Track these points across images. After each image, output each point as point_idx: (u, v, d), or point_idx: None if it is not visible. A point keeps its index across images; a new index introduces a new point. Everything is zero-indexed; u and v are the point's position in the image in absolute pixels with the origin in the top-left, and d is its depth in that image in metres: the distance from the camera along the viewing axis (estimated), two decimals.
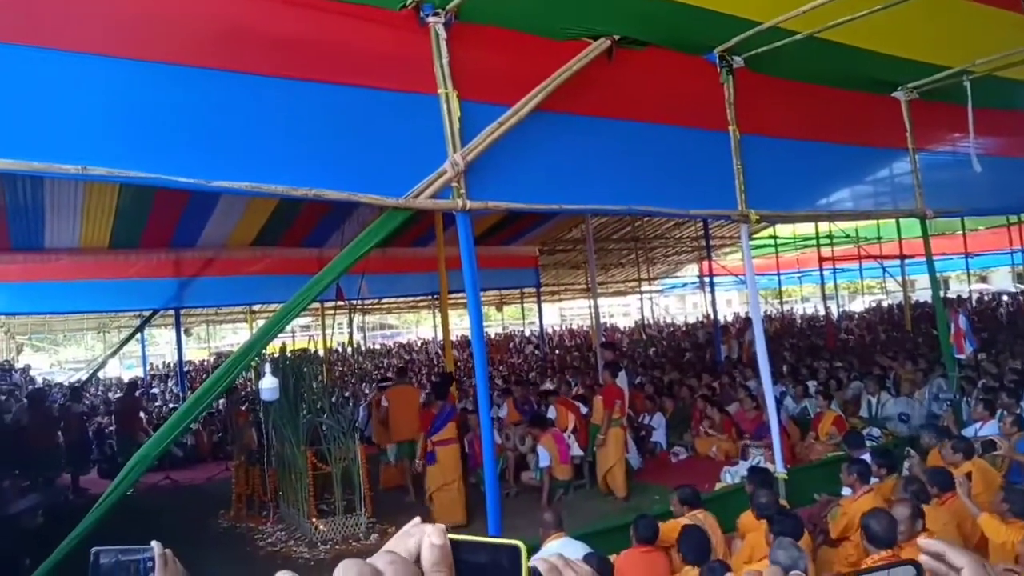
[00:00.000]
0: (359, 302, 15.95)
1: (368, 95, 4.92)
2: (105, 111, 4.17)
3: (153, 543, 1.41)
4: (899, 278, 17.30)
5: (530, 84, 5.31)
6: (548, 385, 11.46)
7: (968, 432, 6.95)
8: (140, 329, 15.97)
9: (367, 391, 14.59)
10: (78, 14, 4.06)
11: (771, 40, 6.08)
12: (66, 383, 16.47)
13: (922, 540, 0.70)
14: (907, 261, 16.23)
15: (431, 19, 4.97)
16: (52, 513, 7.71)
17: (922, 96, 7.77)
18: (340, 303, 13.01)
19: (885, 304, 25.00)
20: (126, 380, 18.15)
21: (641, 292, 24.02)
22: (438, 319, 16.69)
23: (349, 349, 18.67)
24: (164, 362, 26.81)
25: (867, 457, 6.10)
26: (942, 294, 20.20)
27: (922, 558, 0.68)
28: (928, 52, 7.00)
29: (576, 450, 8.37)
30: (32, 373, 20.22)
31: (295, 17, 4.63)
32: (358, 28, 4.83)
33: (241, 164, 4.54)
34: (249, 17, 4.51)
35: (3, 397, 12.45)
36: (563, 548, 4.80)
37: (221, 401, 11.93)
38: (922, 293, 22.63)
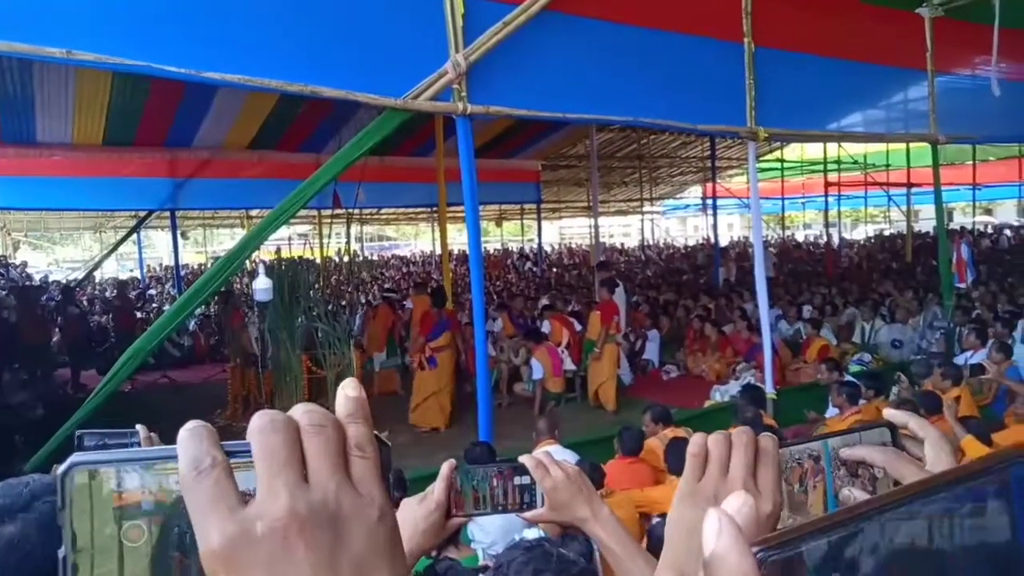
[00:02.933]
0: (356, 211, 15.82)
1: None
2: None
3: (138, 426, 1.38)
4: (904, 207, 17.12)
5: None
6: (544, 301, 11.48)
7: (959, 360, 7.00)
8: (135, 229, 15.84)
9: (363, 300, 14.65)
10: None
11: None
12: (63, 281, 16.49)
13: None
14: (913, 191, 16.01)
15: None
16: (51, 405, 7.85)
17: (947, 14, 7.43)
18: (337, 211, 12.88)
19: (887, 233, 24.90)
20: (123, 280, 18.20)
21: (643, 212, 23.83)
22: (437, 233, 16.58)
23: (346, 258, 18.62)
24: (161, 264, 26.83)
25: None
26: (948, 225, 20.11)
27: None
28: None
29: (569, 364, 8.46)
30: (29, 271, 20.25)
31: None
32: None
33: (236, 57, 4.37)
34: None
35: (2, 292, 12.47)
36: (553, 454, 4.90)
37: (216, 303, 12.00)
38: (925, 224, 22.47)
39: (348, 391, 0.42)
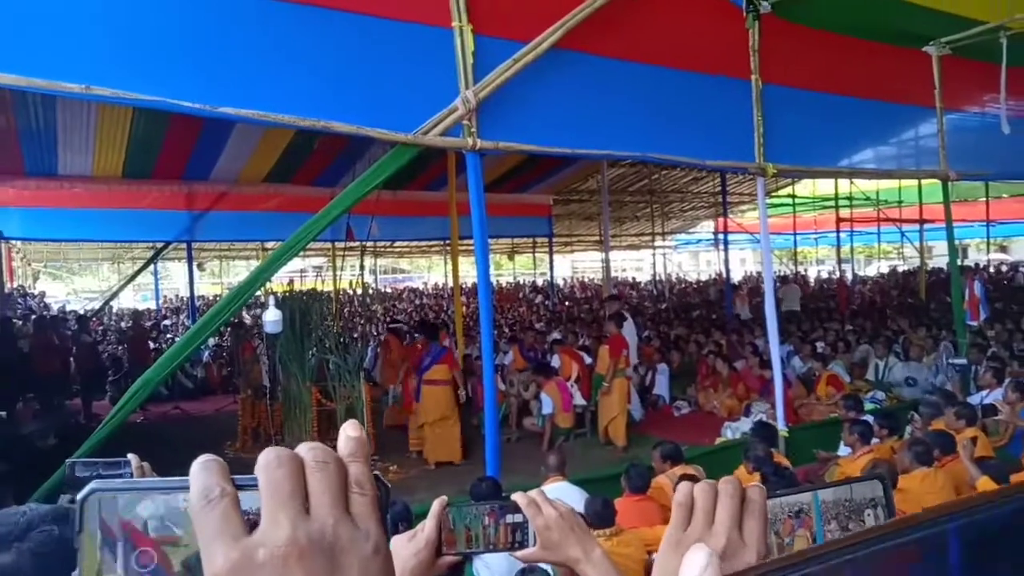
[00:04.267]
0: (370, 243, 15.96)
1: (381, 25, 4.79)
2: (112, 31, 4.09)
3: (130, 456, 1.39)
4: (917, 243, 17.05)
5: (549, 20, 5.15)
6: (555, 335, 11.47)
7: (975, 399, 6.90)
8: (152, 261, 16.05)
9: (376, 332, 14.68)
10: None
11: None
12: (79, 311, 16.67)
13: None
14: (926, 227, 15.96)
15: None
16: (64, 435, 7.88)
17: (954, 52, 7.48)
18: (351, 243, 13.00)
19: (901, 269, 24.74)
20: (138, 310, 18.36)
21: (655, 247, 23.83)
22: (450, 266, 16.69)
23: (359, 290, 18.72)
24: (177, 295, 27.07)
25: (870, 418, 6.08)
26: (960, 262, 19.96)
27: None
28: (964, 5, 6.71)
29: (579, 399, 8.42)
30: (48, 300, 20.50)
31: None
32: None
33: (250, 92, 4.46)
34: None
35: (19, 322, 12.62)
36: (560, 492, 4.84)
37: (228, 335, 12.08)
38: (939, 260, 22.33)
39: (349, 432, 0.46)
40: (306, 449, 0.43)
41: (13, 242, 15.63)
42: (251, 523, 0.40)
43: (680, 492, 0.62)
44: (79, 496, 0.40)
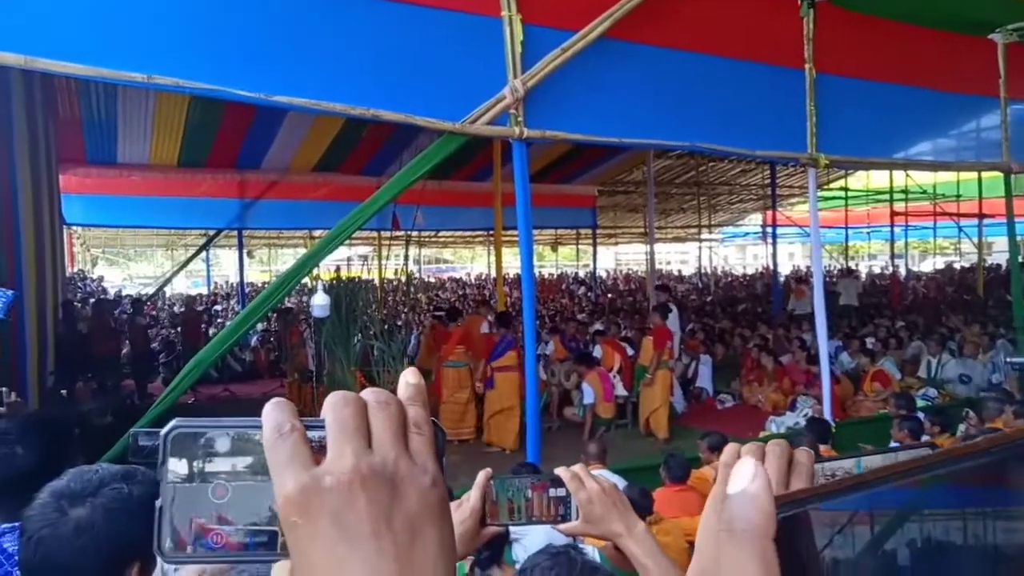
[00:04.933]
0: (415, 233, 16.11)
1: (431, 15, 4.82)
2: (173, 22, 4.21)
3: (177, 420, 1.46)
4: (975, 239, 16.48)
5: (598, 10, 5.12)
6: (598, 326, 11.43)
7: None
8: (204, 247, 16.49)
9: (420, 320, 14.83)
10: None
11: None
12: (135, 296, 17.23)
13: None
14: (985, 222, 15.41)
15: None
16: (119, 414, 8.18)
17: (1022, 39, 7.20)
18: (397, 233, 13.15)
19: (957, 266, 23.96)
20: (191, 295, 18.88)
21: (700, 240, 23.54)
22: (493, 256, 16.75)
23: (404, 279, 18.93)
24: (227, 282, 27.74)
25: (921, 415, 5.93)
26: (1021, 258, 19.23)
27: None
28: None
29: (620, 390, 8.39)
30: (104, 285, 21.22)
31: None
32: None
33: (302, 81, 4.55)
34: None
35: (79, 305, 13.11)
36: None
37: (276, 320, 12.34)
38: (999, 256, 21.55)
39: (409, 379, 0.49)
40: (369, 392, 0.46)
41: (74, 228, 16.22)
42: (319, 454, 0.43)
43: (727, 453, 0.63)
44: (163, 431, 0.44)
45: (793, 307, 14.48)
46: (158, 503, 0.44)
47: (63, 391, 9.04)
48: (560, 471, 0.99)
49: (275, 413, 0.44)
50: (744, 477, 0.40)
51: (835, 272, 22.55)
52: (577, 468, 1.03)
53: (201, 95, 4.63)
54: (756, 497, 0.38)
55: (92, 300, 13.78)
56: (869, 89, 6.73)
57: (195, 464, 0.44)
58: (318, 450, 0.43)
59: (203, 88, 4.27)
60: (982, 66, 7.31)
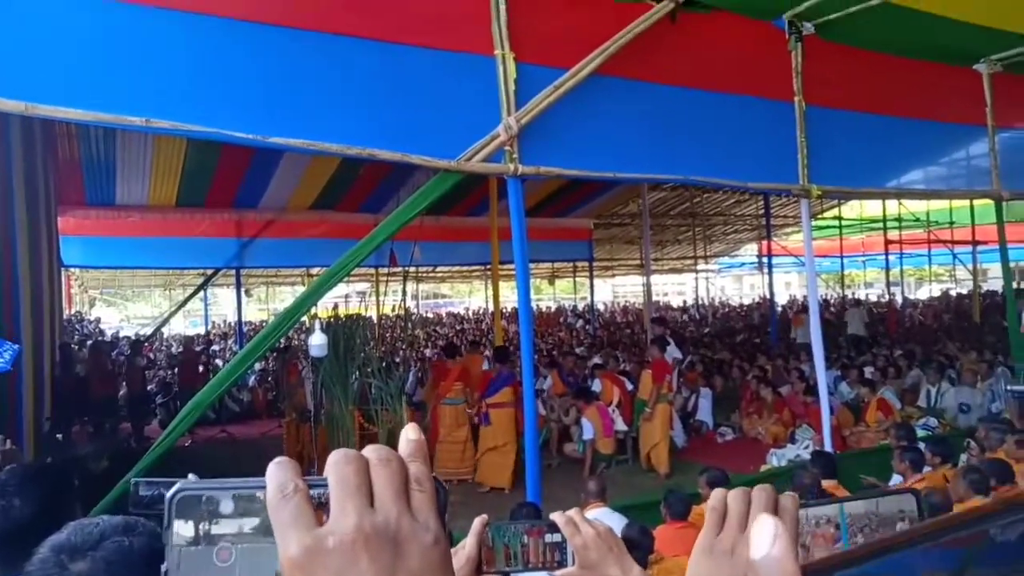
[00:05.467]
0: (413, 269, 16.16)
1: (425, 55, 4.90)
2: (170, 65, 4.26)
3: (191, 476, 1.45)
4: (970, 265, 16.56)
5: (589, 47, 5.21)
6: (596, 360, 11.41)
7: None
8: (202, 287, 16.51)
9: (418, 356, 14.80)
10: None
11: (844, 6, 5.81)
12: (132, 336, 17.19)
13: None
14: (979, 248, 15.50)
15: None
16: (115, 458, 8.10)
17: (1006, 69, 7.32)
18: (394, 269, 13.18)
19: (953, 292, 24.01)
20: (189, 335, 18.83)
21: (697, 271, 23.61)
22: (491, 290, 16.81)
23: (401, 314, 18.93)
24: (225, 320, 27.70)
25: (922, 445, 5.89)
26: (1017, 284, 19.29)
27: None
28: (1015, 21, 6.57)
29: (620, 424, 8.34)
30: (102, 326, 21.17)
31: None
32: None
33: (298, 122, 4.60)
34: None
35: (75, 347, 13.07)
36: (601, 518, 4.80)
37: (274, 359, 12.29)
38: (994, 282, 21.63)
39: (410, 435, 0.50)
40: (371, 449, 0.47)
41: (72, 270, 16.23)
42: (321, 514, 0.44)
43: (714, 497, 0.63)
44: (168, 494, 0.44)
45: (795, 335, 14.48)
46: (164, 567, 0.44)
47: (59, 435, 8.96)
48: (555, 516, 0.98)
49: (278, 473, 0.44)
50: (765, 539, 0.40)
51: (834, 300, 22.61)
52: (572, 513, 1.02)
53: (198, 138, 4.68)
54: (781, 562, 0.39)
55: (89, 342, 13.75)
56: (859, 120, 6.82)
57: (201, 526, 0.45)
58: (321, 507, 0.44)
59: (200, 131, 4.32)
60: (968, 95, 7.42)
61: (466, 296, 40.92)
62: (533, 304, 30.89)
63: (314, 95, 4.65)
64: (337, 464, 0.45)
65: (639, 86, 5.56)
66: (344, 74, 4.70)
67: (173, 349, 17.94)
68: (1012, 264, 8.80)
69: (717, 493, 0.65)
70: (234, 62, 4.44)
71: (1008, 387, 8.29)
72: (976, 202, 13.40)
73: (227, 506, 0.45)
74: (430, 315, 30.13)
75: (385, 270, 13.89)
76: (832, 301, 22.94)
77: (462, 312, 31.95)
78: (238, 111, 4.44)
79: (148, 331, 18.96)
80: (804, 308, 16.93)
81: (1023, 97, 7.65)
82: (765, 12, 6.03)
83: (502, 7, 4.87)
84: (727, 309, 26.80)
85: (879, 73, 6.79)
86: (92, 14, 4.03)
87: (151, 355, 16.09)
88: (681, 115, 5.83)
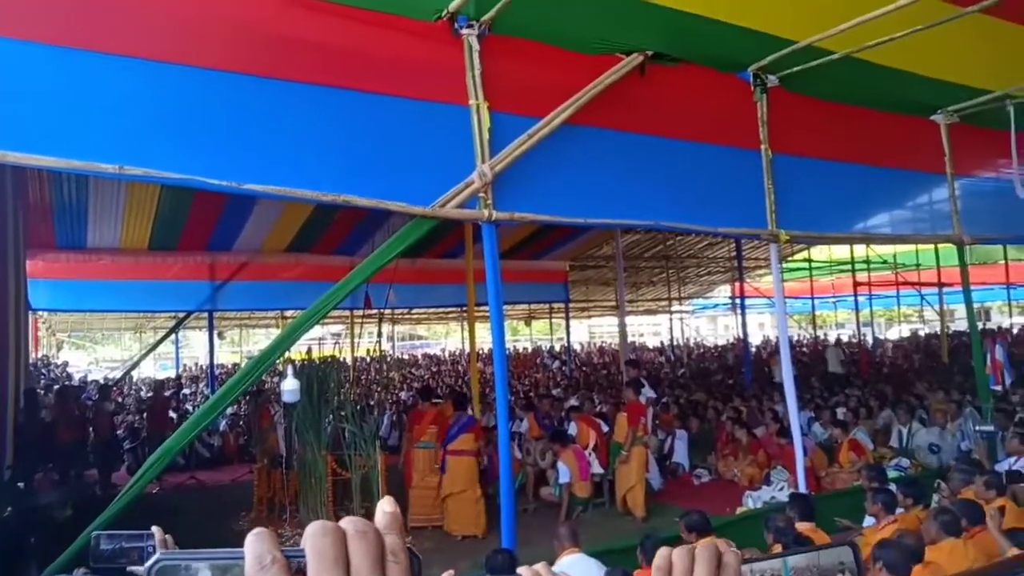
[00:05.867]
0: (388, 311, 16.11)
1: (400, 104, 4.98)
2: (144, 113, 4.28)
3: (154, 528, 1.43)
4: (937, 306, 16.91)
5: (561, 97, 5.34)
6: (572, 402, 11.40)
7: (1002, 466, 6.73)
8: (174, 330, 16.27)
9: (391, 400, 14.66)
10: (119, 18, 4.19)
11: (807, 59, 6.03)
12: (100, 381, 16.85)
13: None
14: (946, 290, 15.86)
15: (465, 31, 5.03)
16: (80, 506, 7.88)
17: (963, 120, 7.62)
18: (369, 311, 13.14)
19: (922, 333, 24.44)
20: (159, 380, 18.50)
21: (671, 312, 23.80)
22: (467, 331, 16.78)
23: (376, 356, 18.79)
24: (197, 364, 27.27)
25: (893, 487, 5.94)
26: (982, 325, 19.70)
27: None
28: (969, 75, 6.87)
29: (596, 468, 8.31)
30: (70, 370, 20.73)
31: (330, 26, 4.72)
32: (393, 38, 4.91)
33: (274, 168, 4.62)
34: (284, 24, 4.61)
35: (41, 392, 12.77)
36: (577, 564, 4.75)
37: (247, 402, 12.11)
38: (961, 323, 22.08)
39: (385, 507, 0.52)
40: (347, 521, 0.49)
41: (40, 313, 15.94)
42: None
43: (659, 556, 0.65)
44: (147, 565, 0.46)
45: (773, 375, 14.60)
46: None
47: (21, 484, 8.70)
48: (522, 571, 0.99)
49: (256, 545, 0.46)
50: None
51: (807, 340, 22.87)
52: (539, 567, 1.04)
53: (173, 184, 4.69)
54: None
55: (56, 387, 13.45)
56: (825, 168, 7.02)
57: None
58: None
59: (175, 178, 4.32)
60: (928, 145, 7.69)
61: (443, 337, 40.77)
62: (510, 345, 30.92)
63: (290, 143, 4.69)
64: (315, 536, 0.47)
65: (610, 135, 5.69)
66: (320, 122, 4.75)
67: (142, 393, 17.59)
68: (976, 305, 9.00)
69: (662, 552, 0.67)
70: (208, 110, 4.47)
71: (976, 427, 8.42)
72: (941, 245, 13.75)
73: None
74: (406, 356, 29.94)
75: (360, 312, 13.84)
76: (805, 341, 23.23)
77: (438, 353, 31.79)
78: (213, 158, 4.46)
79: (117, 375, 18.61)
80: (758, 352, 17.18)
81: (979, 146, 7.94)
82: (731, 65, 6.24)
83: (476, 59, 4.99)
84: (702, 350, 26.98)
85: (843, 123, 7.03)
86: (65, 63, 4.05)
87: (120, 399, 15.77)
88: (651, 162, 5.97)
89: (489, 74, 5.06)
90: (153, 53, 4.26)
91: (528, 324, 31.33)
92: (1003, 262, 17.95)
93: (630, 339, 26.72)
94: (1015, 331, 21.63)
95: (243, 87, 4.56)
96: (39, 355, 20.07)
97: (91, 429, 11.00)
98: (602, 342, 34.23)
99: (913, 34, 5.39)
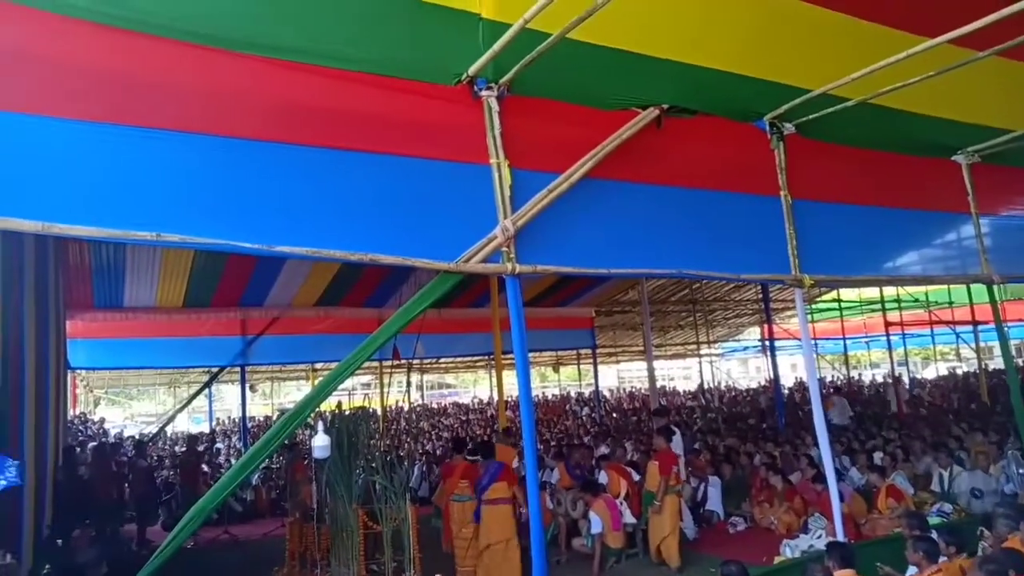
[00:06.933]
0: (416, 361, 16.22)
1: (423, 165, 5.14)
2: (178, 182, 4.47)
3: None
4: (973, 344, 16.55)
5: (580, 152, 5.47)
6: (603, 450, 11.30)
7: None
8: (207, 385, 16.54)
9: (421, 450, 14.64)
10: (153, 95, 4.41)
11: (822, 107, 6.12)
12: (136, 436, 17.09)
13: None
14: (981, 327, 15.55)
15: (484, 93, 5.21)
16: (117, 564, 7.96)
17: (984, 159, 7.61)
18: (397, 362, 13.26)
19: (960, 372, 23.86)
20: (192, 434, 18.70)
21: (700, 355, 23.58)
22: (495, 379, 16.79)
23: (406, 407, 18.84)
24: (229, 417, 27.52)
25: (935, 534, 5.78)
26: (1021, 363, 19.20)
27: None
28: (987, 115, 6.90)
29: (628, 517, 8.19)
30: (106, 426, 21.06)
31: (356, 93, 4.93)
32: (415, 103, 5.10)
33: (303, 230, 4.77)
34: (312, 92, 4.82)
35: (78, 449, 13.01)
36: None
37: (280, 456, 12.19)
38: (999, 361, 21.52)
39: None
40: None
41: (78, 371, 16.32)
42: None
43: None
44: None
45: (831, 418, 14.31)
46: None
47: (59, 541, 8.82)
48: None
49: None
50: None
51: (867, 381, 22.41)
52: None
53: (206, 249, 4.86)
54: None
55: (92, 444, 13.67)
56: (846, 211, 7.04)
57: None
58: None
59: (208, 243, 4.50)
60: (950, 184, 7.69)
61: (471, 385, 40.69)
62: (538, 391, 30.79)
63: (318, 205, 4.85)
64: None
65: (629, 187, 5.80)
66: (346, 185, 4.92)
67: (176, 448, 17.79)
68: (1015, 342, 8.84)
69: None
70: (239, 177, 4.65)
71: (1020, 470, 8.18)
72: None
73: None
74: (435, 405, 29.91)
75: (389, 363, 13.97)
76: (866, 382, 22.73)
77: (470, 402, 31.72)
78: (245, 222, 4.62)
79: (152, 430, 18.87)
80: (831, 390, 16.86)
81: (1003, 185, 7.91)
82: (746, 115, 6.35)
83: (496, 120, 5.16)
84: (734, 393, 26.58)
85: (862, 166, 7.07)
86: (104, 138, 4.26)
87: (155, 455, 15.96)
88: (672, 212, 6.05)
89: (509, 132, 5.22)
90: (182, 125, 4.46)
91: (556, 370, 31.23)
92: None
93: (660, 383, 26.49)
94: None
95: (272, 154, 4.75)
96: (77, 412, 20.45)
97: (127, 485, 11.15)
98: (631, 387, 33.91)
99: (927, 79, 5.46)
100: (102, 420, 21.19)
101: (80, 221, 4.16)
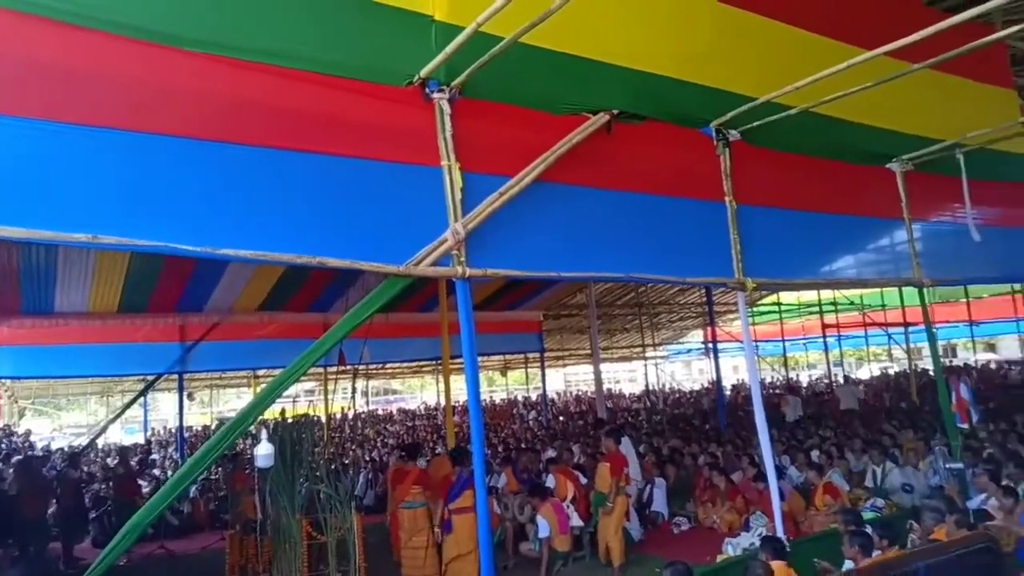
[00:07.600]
0: (363, 367, 15.98)
1: (373, 167, 5.07)
2: (115, 182, 4.29)
3: None
4: (903, 345, 17.24)
5: (531, 156, 5.49)
6: (550, 453, 11.33)
7: (973, 504, 6.82)
8: (143, 394, 15.95)
9: (367, 458, 14.43)
10: (86, 90, 4.22)
11: (766, 114, 6.28)
12: (66, 448, 16.35)
13: None
14: (912, 328, 16.21)
15: (436, 95, 5.18)
16: None
17: (917, 168, 7.94)
18: (343, 367, 13.02)
19: (892, 372, 24.82)
20: (125, 446, 17.99)
21: (645, 358, 23.92)
22: (442, 384, 16.69)
23: (351, 414, 18.53)
24: (166, 427, 26.62)
25: (869, 529, 5.97)
26: (948, 362, 20.10)
27: None
28: (921, 125, 7.21)
29: (576, 520, 8.22)
30: (32, 438, 20.10)
31: (305, 92, 4.82)
32: (365, 103, 5.03)
33: (248, 233, 4.64)
34: (259, 91, 4.69)
35: (1, 464, 12.38)
36: None
37: (220, 466, 11.84)
38: (928, 362, 22.49)
39: None
40: None
41: (2, 381, 15.54)
42: None
43: None
44: None
45: (785, 415, 14.67)
46: None
47: None
48: None
49: None
50: None
51: (777, 384, 23.02)
52: None
53: (146, 251, 4.68)
54: None
55: (16, 458, 13.02)
56: (788, 216, 7.25)
57: None
58: None
59: (148, 245, 4.33)
60: (885, 191, 7.99)
61: (418, 391, 40.40)
62: (486, 396, 30.75)
63: (263, 207, 4.73)
64: None
65: (580, 191, 5.84)
66: (292, 186, 4.80)
67: (109, 460, 17.09)
68: (943, 342, 9.23)
69: None
70: (180, 177, 4.48)
71: (946, 465, 8.53)
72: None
73: None
74: (381, 412, 29.55)
75: (334, 369, 13.71)
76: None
77: (414, 408, 31.44)
78: (186, 224, 4.46)
79: (83, 441, 18.09)
80: (786, 390, 17.29)
81: (934, 192, 8.26)
82: (694, 121, 6.48)
83: (447, 122, 5.12)
84: (677, 395, 27.05)
85: (803, 173, 7.30)
86: (33, 135, 4.05)
87: (86, 467, 15.29)
88: (621, 216, 6.12)
89: (460, 135, 5.19)
90: (122, 123, 4.28)
91: (504, 374, 31.24)
92: (965, 300, 18.45)
93: (606, 386, 26.76)
94: (979, 368, 22.08)
95: (215, 154, 4.60)
96: (1, 425, 19.47)
97: (55, 500, 10.62)
98: (578, 390, 34.17)
99: (866, 90, 5.66)
100: (28, 432, 20.20)
101: (9, 222, 3.95)
